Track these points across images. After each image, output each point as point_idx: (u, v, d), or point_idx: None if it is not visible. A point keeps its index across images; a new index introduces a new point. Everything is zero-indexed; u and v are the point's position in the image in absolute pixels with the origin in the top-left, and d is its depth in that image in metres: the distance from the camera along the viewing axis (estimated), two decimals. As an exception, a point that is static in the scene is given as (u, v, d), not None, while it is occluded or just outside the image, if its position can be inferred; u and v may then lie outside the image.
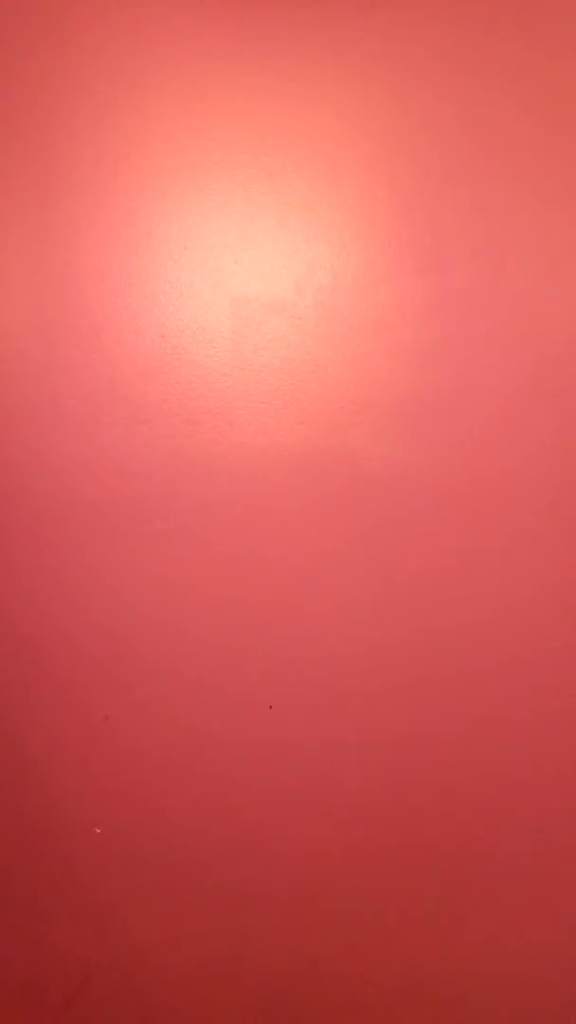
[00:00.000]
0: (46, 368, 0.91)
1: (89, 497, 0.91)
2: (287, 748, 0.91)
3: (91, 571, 0.91)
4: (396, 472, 0.88)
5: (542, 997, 0.90)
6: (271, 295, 0.88)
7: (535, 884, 0.89)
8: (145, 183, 0.89)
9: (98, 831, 0.93)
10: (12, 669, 0.94)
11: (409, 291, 0.87)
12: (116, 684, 0.92)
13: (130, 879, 0.94)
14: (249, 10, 0.87)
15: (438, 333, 0.87)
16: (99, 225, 0.89)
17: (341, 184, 0.87)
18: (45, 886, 0.95)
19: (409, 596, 0.88)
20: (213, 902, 0.93)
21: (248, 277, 0.88)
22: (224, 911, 0.93)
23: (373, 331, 0.87)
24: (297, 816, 0.91)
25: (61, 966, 0.96)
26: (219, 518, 0.89)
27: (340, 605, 0.89)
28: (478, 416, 0.87)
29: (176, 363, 0.89)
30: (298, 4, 0.87)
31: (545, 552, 0.87)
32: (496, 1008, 0.90)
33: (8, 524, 0.93)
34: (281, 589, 0.90)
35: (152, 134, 0.89)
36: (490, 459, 0.87)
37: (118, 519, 0.91)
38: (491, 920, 0.90)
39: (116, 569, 0.91)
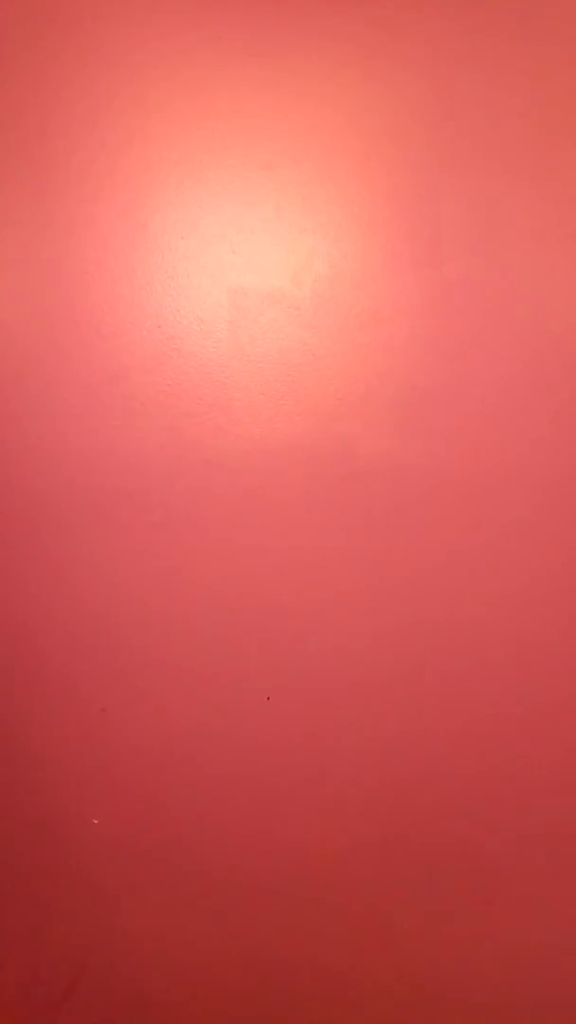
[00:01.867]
0: (43, 359, 0.90)
1: (86, 488, 0.91)
2: (285, 739, 0.91)
3: (88, 562, 0.91)
4: (394, 463, 0.87)
5: (543, 996, 0.90)
6: (269, 286, 0.87)
7: (536, 881, 0.89)
8: (142, 174, 0.88)
9: (96, 822, 0.93)
10: (9, 661, 0.94)
11: (407, 283, 0.87)
12: (113, 676, 0.92)
13: (127, 870, 0.94)
14: (247, 2, 0.87)
15: (436, 325, 0.87)
16: (96, 216, 0.89)
17: (339, 175, 0.87)
18: (42, 877, 0.95)
19: (407, 587, 0.88)
20: (210, 893, 0.93)
21: (246, 268, 0.88)
22: (221, 903, 0.93)
23: (371, 322, 0.87)
24: (295, 808, 0.91)
25: (58, 957, 0.96)
26: (216, 509, 0.89)
27: (338, 596, 0.89)
28: (475, 408, 0.87)
29: (173, 354, 0.89)
30: (296, -5, 0.87)
31: (542, 543, 0.87)
32: (496, 1006, 0.90)
33: (5, 515, 0.93)
34: (279, 580, 0.90)
35: (150, 125, 0.88)
36: (487, 450, 0.87)
37: (115, 510, 0.90)
38: (492, 917, 0.90)
39: (113, 560, 0.91)
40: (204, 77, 0.88)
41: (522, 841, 0.89)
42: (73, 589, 0.92)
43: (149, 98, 0.89)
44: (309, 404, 0.88)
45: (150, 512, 0.90)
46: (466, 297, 0.87)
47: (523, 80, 0.86)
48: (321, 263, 0.87)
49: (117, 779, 0.93)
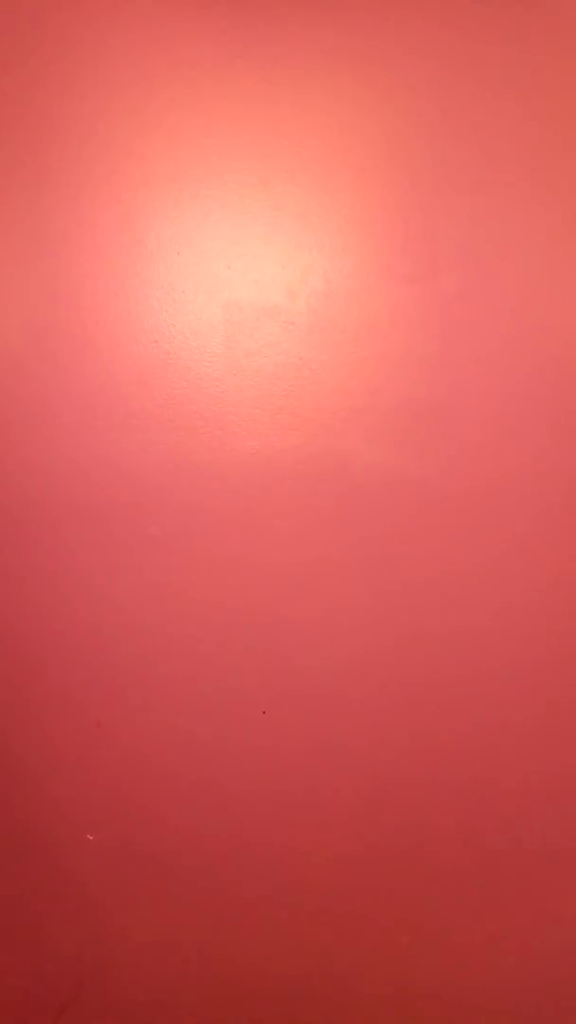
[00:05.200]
0: (39, 373, 0.90)
1: (82, 502, 0.91)
2: (280, 753, 0.91)
3: (84, 576, 0.91)
4: (390, 477, 0.87)
5: (539, 1002, 0.90)
6: (264, 301, 0.88)
7: (532, 889, 0.89)
8: (138, 189, 0.89)
9: (91, 838, 0.93)
10: (3, 674, 0.94)
11: (403, 297, 0.87)
12: (109, 690, 0.92)
13: (123, 885, 0.93)
14: (244, 16, 0.87)
15: (432, 339, 0.87)
16: (92, 231, 0.89)
17: (335, 190, 0.87)
18: (38, 893, 0.95)
19: (403, 602, 0.88)
20: (207, 908, 0.93)
21: (241, 283, 0.88)
22: (218, 917, 0.93)
23: (366, 337, 0.87)
24: (291, 821, 0.91)
25: (54, 973, 0.95)
26: (212, 523, 0.89)
27: (334, 610, 0.89)
28: (472, 422, 0.87)
29: (169, 369, 0.89)
30: (293, 10, 0.87)
31: (539, 557, 0.87)
32: (493, 1012, 0.90)
33: (1, 529, 0.93)
34: (275, 594, 0.90)
35: (146, 140, 0.89)
36: (484, 465, 0.87)
37: (111, 524, 0.90)
38: (488, 925, 0.90)
39: (109, 574, 0.91)
40: (200, 92, 0.88)
41: (519, 851, 0.89)
42: (69, 602, 0.92)
43: (145, 113, 0.89)
44: (305, 418, 0.88)
45: (146, 526, 0.90)
46: (462, 311, 0.87)
47: (520, 93, 0.86)
48: (317, 278, 0.87)
49: (112, 794, 0.92)
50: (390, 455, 0.87)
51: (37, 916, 0.95)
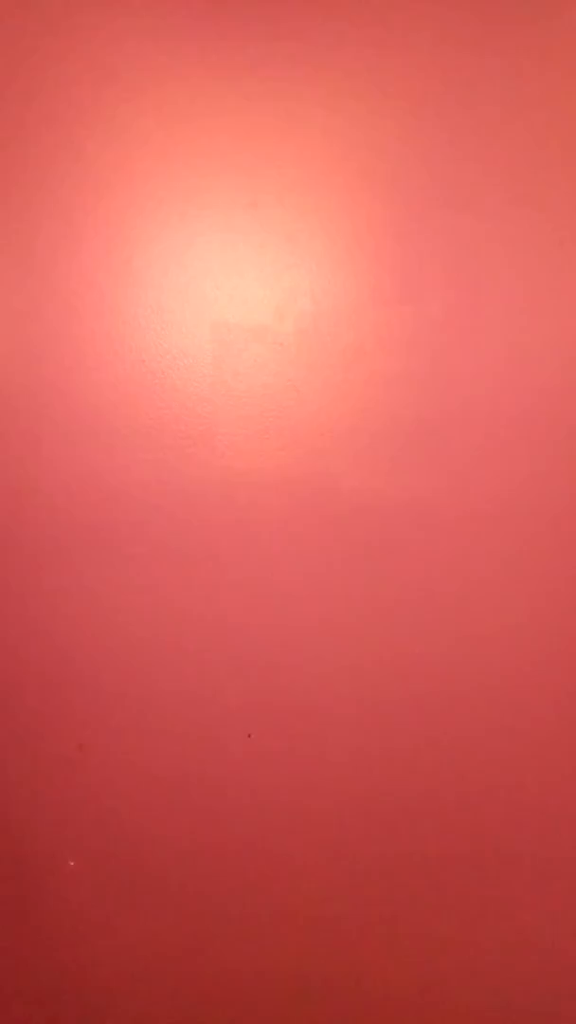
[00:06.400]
0: (26, 392, 0.90)
1: (66, 521, 0.90)
2: (265, 777, 0.89)
3: (66, 596, 0.90)
4: (376, 498, 0.87)
5: (541, 1006, 0.88)
6: (252, 321, 0.88)
7: (529, 903, 0.88)
8: (127, 209, 0.89)
9: (72, 864, 0.91)
10: (-14, 696, 0.92)
11: (390, 319, 0.87)
12: (91, 712, 0.90)
13: (104, 913, 0.92)
14: (235, 38, 0.88)
15: (419, 360, 0.87)
16: (80, 250, 0.89)
17: (323, 212, 0.88)
18: (15, 920, 0.93)
19: (390, 622, 0.88)
20: (191, 936, 0.91)
21: (229, 303, 0.88)
22: (202, 946, 0.91)
23: (354, 358, 0.87)
24: (275, 846, 0.90)
25: (30, 1003, 0.93)
26: (198, 543, 0.89)
27: (320, 631, 0.89)
28: (458, 443, 0.87)
29: (157, 388, 0.89)
30: (283, 32, 0.88)
31: (528, 577, 0.87)
32: (492, 1011, 0.89)
33: (-16, 548, 0.92)
34: (260, 615, 0.89)
35: (135, 160, 0.89)
36: (472, 485, 0.87)
37: (96, 543, 0.90)
38: (482, 940, 0.89)
39: (92, 594, 0.90)
40: (189, 112, 0.89)
41: (517, 863, 0.88)
42: (50, 622, 0.91)
43: (134, 133, 0.89)
44: (292, 439, 0.88)
45: (131, 545, 0.89)
46: (449, 333, 0.87)
47: (508, 116, 0.87)
48: (304, 299, 0.87)
49: (94, 818, 0.91)
50: (378, 476, 0.87)
51: (13, 945, 0.93)
